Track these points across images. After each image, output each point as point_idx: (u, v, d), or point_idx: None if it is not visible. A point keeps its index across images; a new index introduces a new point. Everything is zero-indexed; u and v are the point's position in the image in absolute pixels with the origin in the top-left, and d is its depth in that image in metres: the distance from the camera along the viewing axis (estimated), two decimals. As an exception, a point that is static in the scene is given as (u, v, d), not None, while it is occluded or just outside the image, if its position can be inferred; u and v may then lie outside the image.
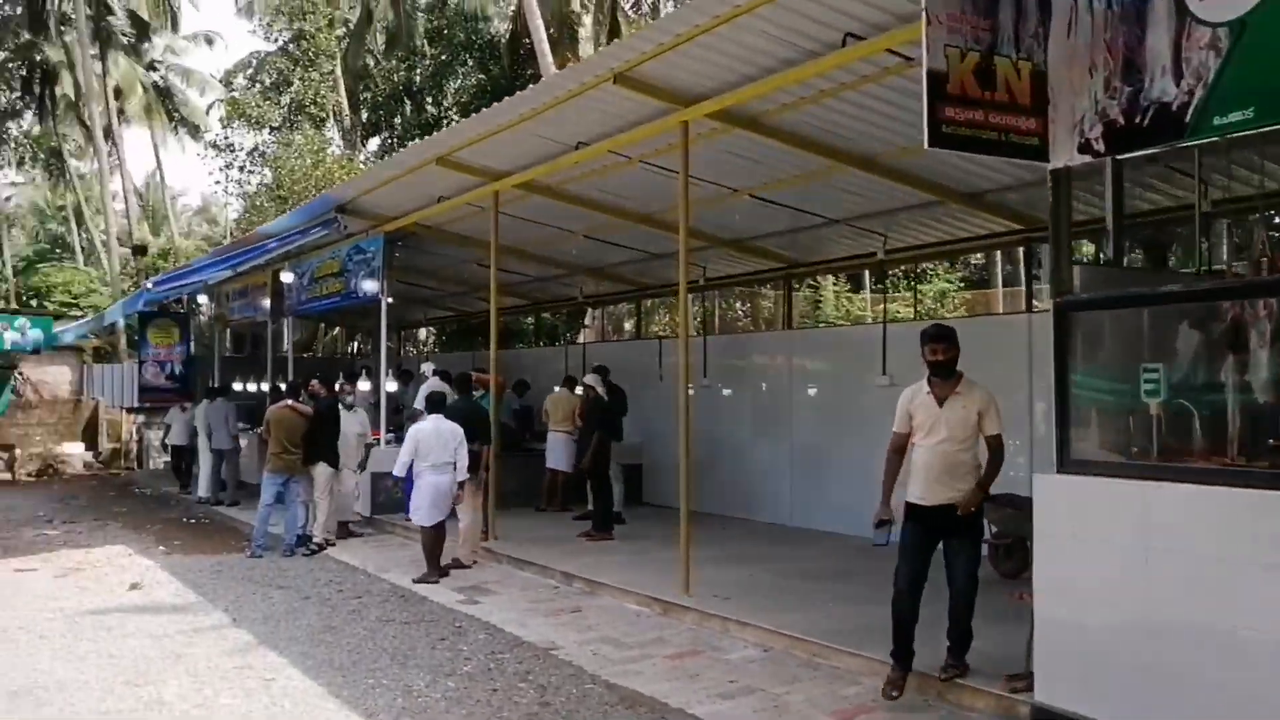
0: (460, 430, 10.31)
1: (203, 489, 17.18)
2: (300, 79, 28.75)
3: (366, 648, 7.72)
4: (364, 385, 15.81)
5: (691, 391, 14.78)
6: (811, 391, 13.12)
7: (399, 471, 10.27)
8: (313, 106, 28.49)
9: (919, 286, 21.55)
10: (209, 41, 45.32)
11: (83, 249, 46.49)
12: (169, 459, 20.09)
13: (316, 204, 13.76)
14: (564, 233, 13.85)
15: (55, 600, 9.76)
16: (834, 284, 24.40)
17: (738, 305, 27.02)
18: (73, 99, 41.32)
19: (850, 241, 12.81)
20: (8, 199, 55.58)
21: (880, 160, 9.68)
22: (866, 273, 24.90)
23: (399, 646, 7.75)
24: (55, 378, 26.93)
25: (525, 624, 8.30)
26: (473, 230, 14.17)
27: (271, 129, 29.62)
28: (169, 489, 19.64)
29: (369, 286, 14.38)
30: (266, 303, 18.68)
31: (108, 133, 39.60)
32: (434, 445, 10.13)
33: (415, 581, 10.06)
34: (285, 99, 29.04)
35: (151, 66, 44.22)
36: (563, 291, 18.44)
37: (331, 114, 29.09)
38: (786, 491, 13.20)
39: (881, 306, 18.79)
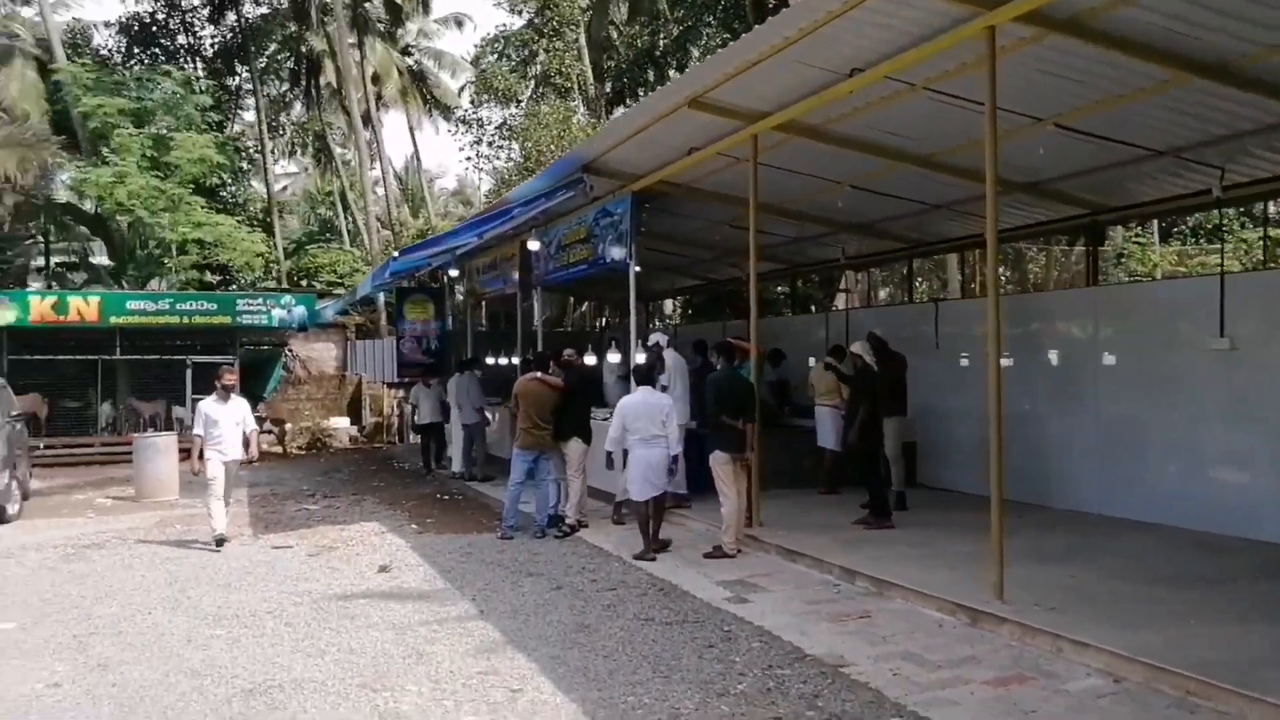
0: (669, 403, 9.99)
1: (456, 464, 16.93)
2: (545, 49, 28.43)
3: (624, 653, 6.73)
4: (613, 357, 15.01)
5: (966, 361, 13.36)
6: (1121, 358, 11.17)
7: (610, 446, 10.01)
8: (558, 77, 28.16)
9: (1263, 230, 18.17)
10: (459, 24, 46.36)
11: (348, 231, 48.69)
12: (418, 438, 20.03)
13: (562, 164, 12.95)
14: (827, 184, 12.46)
15: (305, 582, 9.36)
16: (1133, 235, 21.68)
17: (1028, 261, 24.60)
18: (335, 87, 43.08)
19: (1174, 179, 10.81)
20: (284, 188, 59.10)
21: (1234, 67, 7.80)
22: (1156, 223, 22.19)
23: (661, 653, 6.71)
24: (322, 354, 27.90)
25: (805, 631, 7.08)
26: (726, 186, 13.01)
27: (518, 103, 29.51)
28: (443, 470, 19.63)
29: (617, 252, 13.48)
30: (515, 275, 18.23)
31: (366, 118, 41.08)
32: (642, 417, 9.75)
33: (634, 558, 9.76)
34: (531, 71, 28.81)
35: (405, 51, 45.66)
36: (821, 253, 17.01)
37: (576, 84, 28.65)
38: (1091, 475, 11.34)
39: (1193, 258, 16.32)
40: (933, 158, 10.84)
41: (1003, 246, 19.27)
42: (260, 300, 22.93)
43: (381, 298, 30.75)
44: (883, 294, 29.84)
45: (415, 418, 18.12)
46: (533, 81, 29.31)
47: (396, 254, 11.74)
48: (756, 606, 7.81)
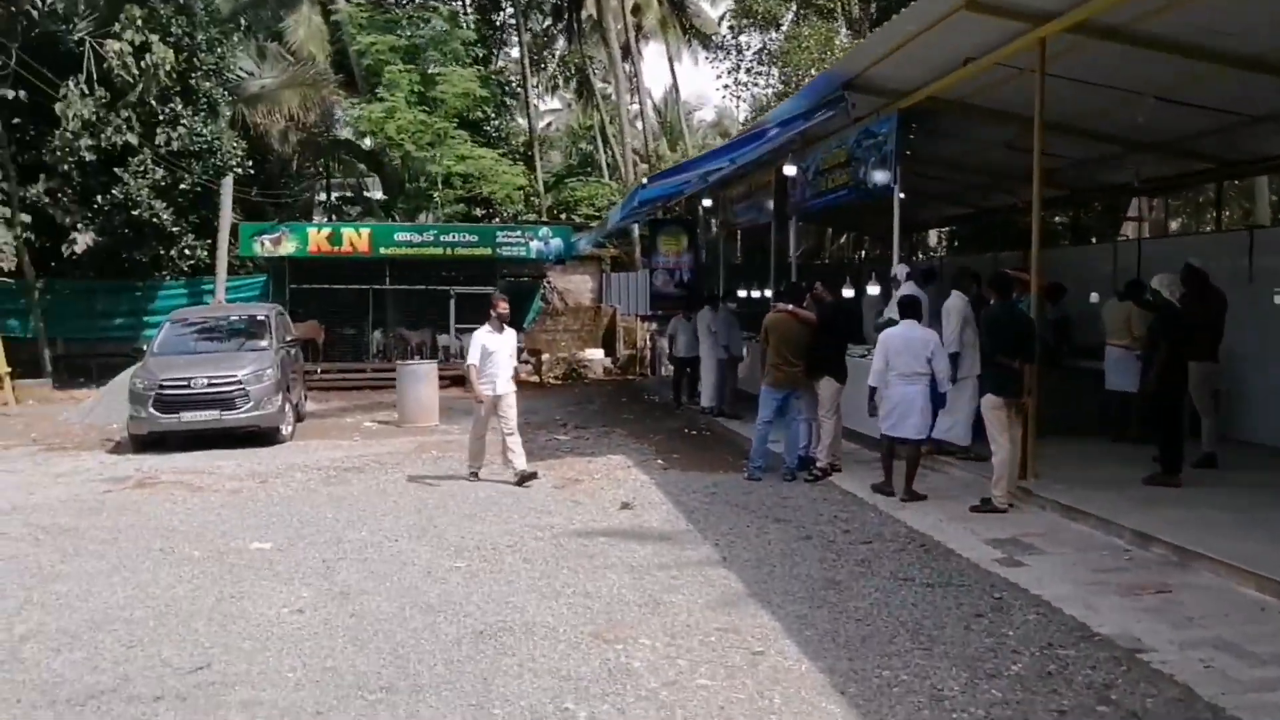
0: (934, 338, 9.44)
1: (706, 398, 16.50)
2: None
3: (879, 617, 6.04)
4: (873, 289, 14.09)
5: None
6: None
7: (873, 381, 9.43)
8: (821, -2, 26.81)
9: None
10: (721, -50, 45.24)
11: (608, 165, 49.08)
12: (670, 370, 19.71)
13: (821, 82, 12.06)
14: (1124, 95, 10.95)
15: (548, 515, 9.16)
16: None
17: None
18: (596, 19, 43.16)
19: None
20: (548, 124, 60.27)
21: None
22: None
23: (921, 620, 5.97)
24: (578, 286, 28.15)
25: (1091, 605, 6.13)
26: (1004, 101, 11.74)
27: (778, 26, 28.43)
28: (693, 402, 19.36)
29: (880, 176, 12.49)
30: (770, 203, 17.49)
31: (626, 50, 40.99)
32: (903, 353, 9.23)
33: (873, 488, 9.67)
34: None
35: (666, -21, 45.12)
36: (1109, 177, 15.26)
37: (840, 4, 27.21)
38: None
39: None
40: (1263, 57, 9.23)
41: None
42: (519, 232, 23.26)
43: (635, 230, 30.74)
44: (1174, 224, 27.02)
45: (671, 350, 17.76)
46: (794, 3, 28.05)
47: (646, 181, 11.26)
48: (1032, 571, 6.89)
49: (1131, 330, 11.04)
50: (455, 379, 22.66)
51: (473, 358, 10.81)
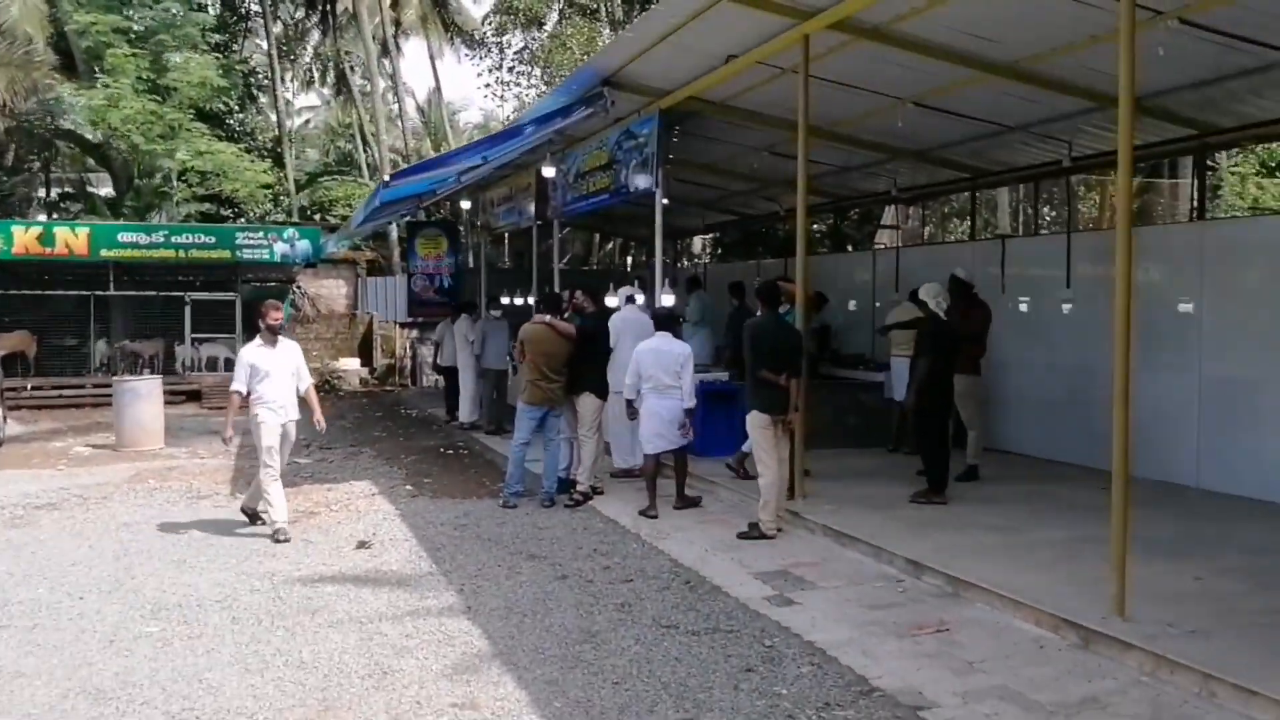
0: (686, 351, 9.21)
1: (464, 413, 15.50)
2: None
3: (639, 678, 5.27)
4: (639, 297, 13.46)
5: (1025, 307, 11.76)
6: (1233, 307, 9.50)
7: (628, 394, 9.24)
8: (584, -5, 26.19)
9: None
10: (482, -54, 44.10)
11: (368, 165, 46.98)
12: (440, 379, 18.51)
13: (579, 77, 11.32)
14: (885, 101, 10.76)
15: (272, 559, 7.97)
16: (1231, 164, 19.66)
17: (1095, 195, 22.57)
18: (353, 13, 41.21)
19: None
20: (306, 121, 57.35)
21: None
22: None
23: (686, 679, 5.24)
24: (331, 292, 26.51)
25: (870, 652, 5.57)
26: (768, 104, 11.38)
27: (541, 25, 27.66)
28: (435, 410, 18.23)
29: (641, 180, 11.88)
30: (532, 207, 16.68)
31: (385, 46, 39.29)
32: (655, 365, 9.03)
33: (640, 514, 9.08)
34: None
35: (426, -26, 43.61)
36: (868, 185, 15.28)
37: (602, 3, 26.68)
38: (1191, 441, 9.75)
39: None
40: (1019, 64, 9.11)
41: (1081, 176, 17.34)
42: (261, 233, 21.45)
43: (394, 232, 29.29)
44: (926, 232, 27.96)
45: (437, 359, 16.60)
46: (558, 2, 27.34)
47: (388, 178, 10.20)
48: (805, 611, 6.31)
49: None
50: (191, 394, 20.77)
51: (238, 383, 8.61)
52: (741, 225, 21.50)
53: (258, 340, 8.78)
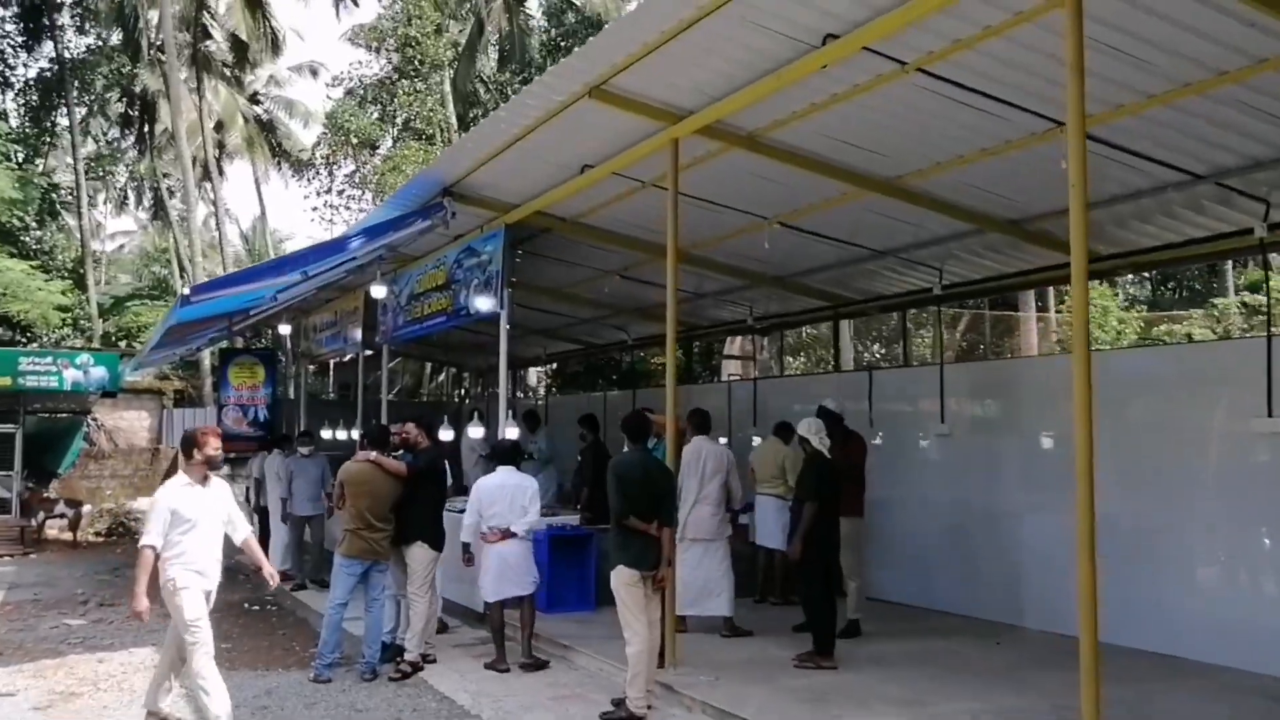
0: (533, 485, 8.44)
1: (276, 561, 13.65)
2: (406, 91, 25.61)
3: None
4: (476, 432, 12.19)
5: (925, 442, 10.99)
6: (1122, 442, 8.86)
7: (466, 536, 8.31)
8: (419, 122, 25.31)
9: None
10: (313, 72, 42.99)
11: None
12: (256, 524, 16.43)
13: (417, 184, 10.20)
14: (749, 220, 10.01)
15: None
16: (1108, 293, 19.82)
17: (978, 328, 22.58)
18: (173, 133, 39.38)
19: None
20: (121, 247, 54.29)
21: None
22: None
23: None
24: (132, 424, 24.14)
25: None
26: (622, 221, 10.55)
27: (373, 149, 26.58)
28: (242, 557, 16.17)
29: (483, 302, 10.74)
30: (358, 332, 15.29)
31: (207, 169, 37.46)
32: (499, 502, 8.19)
33: (486, 666, 8.19)
34: (390, 114, 25.92)
35: (254, 99, 42.21)
36: (724, 313, 14.52)
37: (439, 130, 25.89)
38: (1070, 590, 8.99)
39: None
40: (899, 181, 8.46)
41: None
42: (50, 358, 19.13)
43: (206, 360, 27.16)
44: (782, 362, 27.59)
45: (259, 499, 14.31)
46: (392, 128, 26.39)
47: (187, 292, 8.72)
48: (697, 826, 5.03)
49: (786, 476, 9.91)
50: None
51: (152, 536, 6.37)
52: (585, 355, 20.53)
53: (182, 479, 6.53)
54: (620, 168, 8.82)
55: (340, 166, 28.78)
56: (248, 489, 14.61)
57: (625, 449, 7.12)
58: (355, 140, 26.08)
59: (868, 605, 9.52)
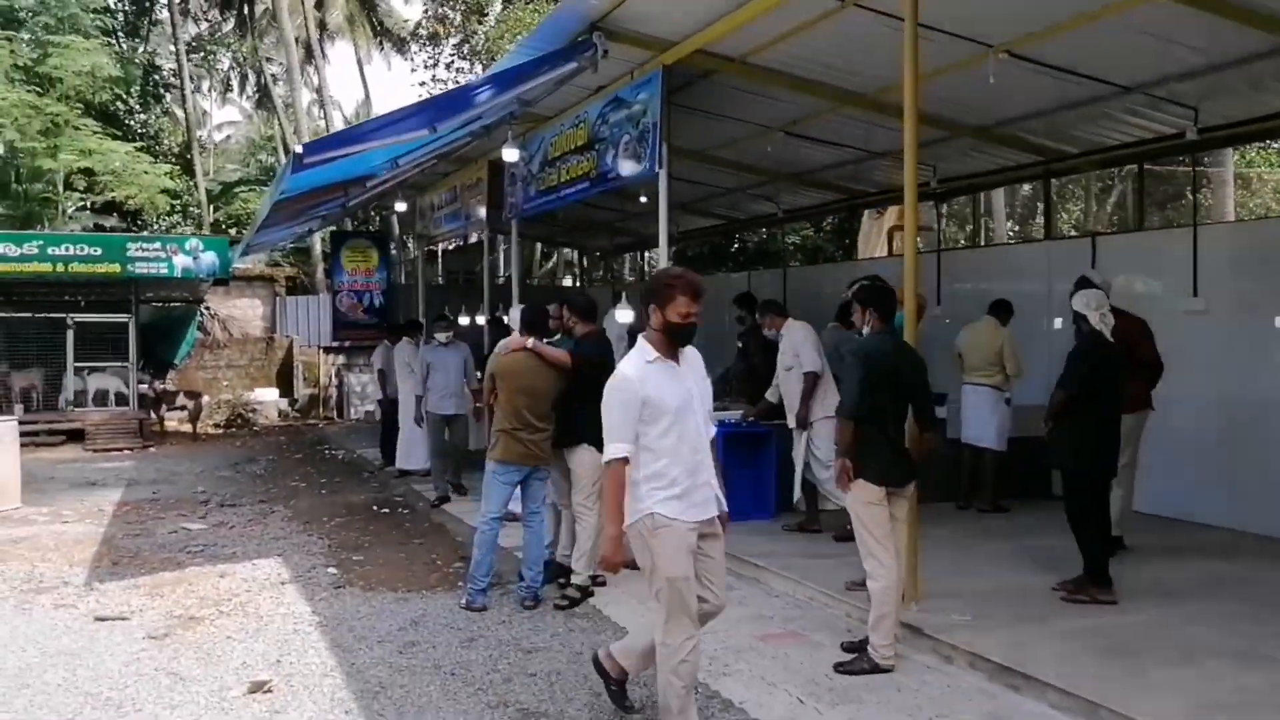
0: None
1: (401, 457, 12.54)
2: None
3: None
4: (624, 315, 10.71)
5: (1174, 322, 8.92)
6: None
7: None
8: (531, -18, 23.35)
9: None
10: (412, -55, 41.13)
11: (292, 179, 43.60)
12: (377, 413, 15.20)
13: (556, 21, 8.53)
14: (969, 52, 8.15)
15: (116, 711, 5.05)
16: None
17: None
18: (273, 14, 38.06)
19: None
20: (227, 137, 53.66)
21: None
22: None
23: None
24: (246, 313, 23.33)
25: None
26: (805, 60, 8.78)
27: (482, 15, 24.80)
28: (366, 452, 15.27)
29: (629, 165, 9.18)
30: (482, 209, 13.87)
31: (309, 51, 36.13)
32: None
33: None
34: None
35: (351, -31, 40.56)
36: (889, 177, 12.66)
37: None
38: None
39: None
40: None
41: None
42: (158, 244, 18.20)
43: (318, 245, 26.21)
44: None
45: (385, 390, 13.17)
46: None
47: (300, 150, 7.32)
48: None
49: (1005, 364, 8.29)
50: (72, 434, 17.52)
51: (618, 440, 4.27)
52: (723, 231, 18.86)
53: (646, 351, 4.33)
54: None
55: (449, 38, 27.04)
56: (380, 379, 13.37)
57: (866, 330, 5.52)
58: (465, 4, 24.26)
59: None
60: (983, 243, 19.86)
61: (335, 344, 21.40)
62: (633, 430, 4.18)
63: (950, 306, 11.27)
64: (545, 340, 6.85)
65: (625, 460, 4.19)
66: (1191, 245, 8.70)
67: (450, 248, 24.34)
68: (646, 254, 22.19)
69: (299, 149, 7.41)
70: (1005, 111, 9.61)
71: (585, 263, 24.83)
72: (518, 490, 6.86)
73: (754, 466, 8.75)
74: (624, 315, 10.85)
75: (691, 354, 4.40)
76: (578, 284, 25.16)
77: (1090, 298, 6.16)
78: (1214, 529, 8.07)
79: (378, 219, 26.43)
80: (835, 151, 11.51)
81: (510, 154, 10.53)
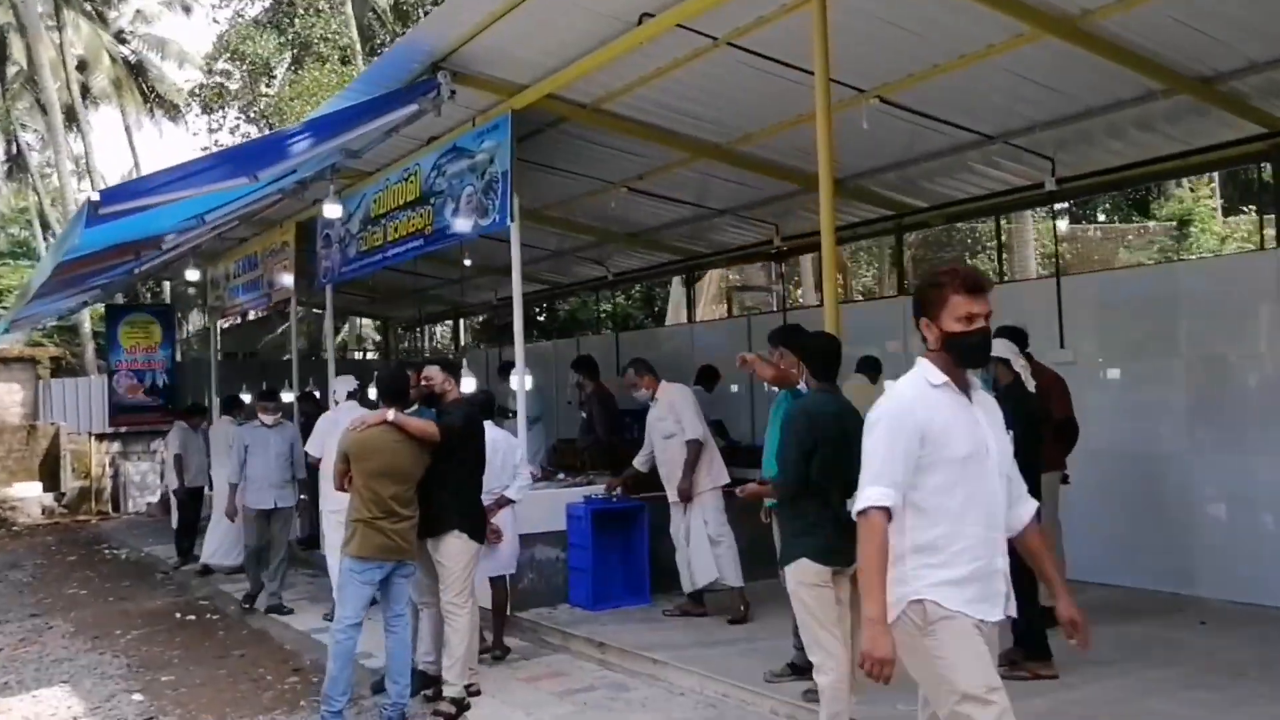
0: (521, 444, 7.43)
1: (210, 549, 11.02)
2: (303, 12, 22.50)
3: None
4: (468, 384, 9.78)
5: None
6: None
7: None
8: (322, 45, 22.25)
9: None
10: (186, 9, 39.05)
11: (48, 255, 40.15)
12: (175, 513, 13.22)
13: (391, 60, 7.68)
14: (850, 94, 7.81)
15: None
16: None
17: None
18: (29, 76, 35.19)
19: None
20: (-32, 214, 49.07)
21: None
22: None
23: None
24: (2, 399, 20.82)
25: None
26: (663, 107, 8.26)
27: (270, 77, 23.45)
28: (155, 549, 13.56)
29: (468, 221, 8.40)
30: (287, 277, 12.67)
31: (71, 115, 33.41)
32: (491, 464, 6.41)
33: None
34: (291, 38, 22.77)
35: (120, 38, 38.10)
36: (735, 236, 12.22)
37: (344, 54, 22.86)
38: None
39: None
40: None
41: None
42: (-107, 323, 15.98)
43: (88, 323, 23.90)
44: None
45: (182, 479, 11.69)
46: (290, 51, 23.21)
47: (95, 197, 6.07)
48: None
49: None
50: None
51: (880, 485, 3.13)
52: (537, 298, 18.14)
53: (929, 372, 3.28)
54: (687, 18, 6.57)
55: (230, 105, 25.38)
56: (174, 465, 11.83)
57: (804, 387, 4.88)
58: (251, 66, 22.84)
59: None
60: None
61: (112, 430, 19.28)
62: (904, 472, 3.08)
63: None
64: (402, 408, 5.88)
65: (886, 511, 3.08)
66: (1055, 295, 8.60)
67: (225, 325, 22.65)
68: (462, 322, 21.14)
69: (95, 195, 6.23)
70: (859, 165, 9.36)
71: (389, 335, 23.53)
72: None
73: (624, 547, 7.97)
74: (468, 384, 10.01)
75: (986, 396, 3.34)
76: (381, 357, 23.83)
77: (1001, 346, 5.74)
78: (1109, 587, 7.81)
79: (149, 294, 24.41)
80: (674, 209, 11.07)
81: (332, 209, 9.50)
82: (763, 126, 8.49)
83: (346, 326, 29.16)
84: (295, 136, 8.02)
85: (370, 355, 26.53)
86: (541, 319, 23.29)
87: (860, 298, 19.81)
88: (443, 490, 5.85)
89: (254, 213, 10.73)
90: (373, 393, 6.75)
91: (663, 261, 13.48)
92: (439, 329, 23.83)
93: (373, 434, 5.71)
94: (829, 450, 4.56)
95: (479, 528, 6.04)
